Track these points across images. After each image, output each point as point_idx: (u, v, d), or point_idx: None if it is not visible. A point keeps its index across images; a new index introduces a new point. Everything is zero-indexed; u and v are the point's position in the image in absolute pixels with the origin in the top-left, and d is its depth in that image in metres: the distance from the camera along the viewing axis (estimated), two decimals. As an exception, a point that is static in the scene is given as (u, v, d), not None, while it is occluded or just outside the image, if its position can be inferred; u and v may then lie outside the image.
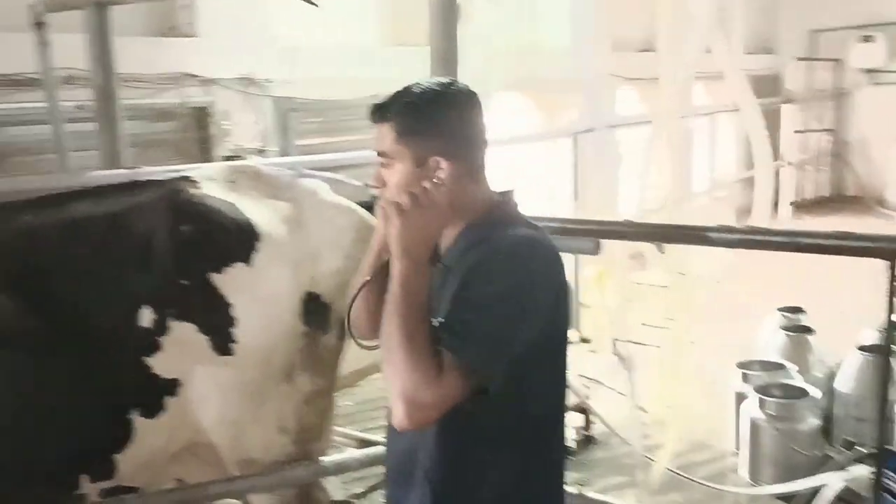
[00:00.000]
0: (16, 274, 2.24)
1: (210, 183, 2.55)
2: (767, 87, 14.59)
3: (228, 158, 5.38)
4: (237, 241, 2.40)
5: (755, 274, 7.54)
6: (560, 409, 1.84)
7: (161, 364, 2.32)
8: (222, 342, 2.36)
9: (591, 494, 3.55)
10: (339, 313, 2.59)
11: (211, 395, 2.39)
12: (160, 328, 2.31)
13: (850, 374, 4.67)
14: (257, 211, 2.51)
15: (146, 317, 2.30)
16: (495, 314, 1.61)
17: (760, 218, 7.63)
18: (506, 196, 1.82)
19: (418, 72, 6.38)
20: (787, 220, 11.84)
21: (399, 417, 1.58)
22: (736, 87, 7.35)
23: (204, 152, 5.33)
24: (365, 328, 1.87)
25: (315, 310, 2.51)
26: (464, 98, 1.74)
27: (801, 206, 12.89)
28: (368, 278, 1.82)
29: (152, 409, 2.34)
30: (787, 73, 13.70)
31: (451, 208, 1.70)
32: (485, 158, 1.78)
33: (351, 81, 6.21)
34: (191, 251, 2.34)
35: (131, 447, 2.33)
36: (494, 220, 1.75)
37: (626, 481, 4.66)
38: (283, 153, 5.74)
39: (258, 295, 2.41)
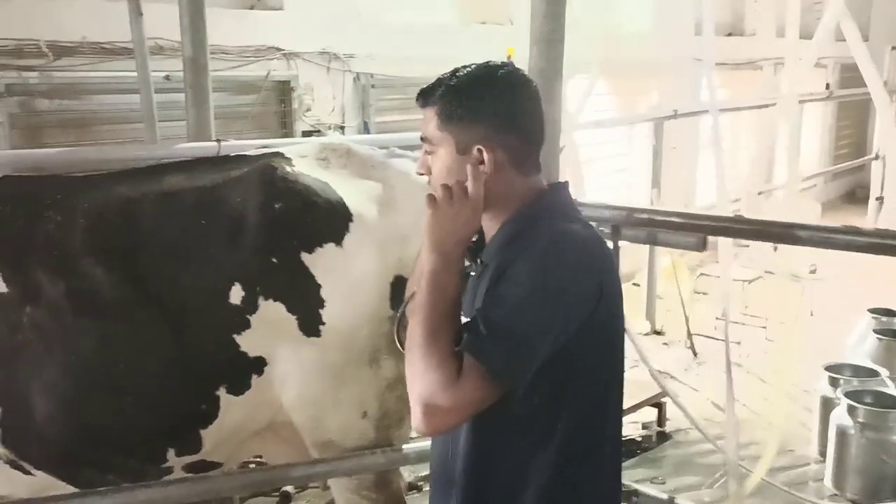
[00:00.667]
0: (113, 246, 2.25)
1: (302, 160, 2.52)
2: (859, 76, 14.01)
3: (308, 133, 5.39)
4: (329, 220, 2.37)
5: (844, 272, 7.25)
6: (608, 405, 1.69)
7: (249, 342, 2.31)
8: (310, 323, 2.33)
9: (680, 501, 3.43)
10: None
11: (294, 374, 2.37)
12: (250, 306, 2.29)
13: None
14: (349, 190, 2.46)
15: (236, 293, 2.28)
16: (522, 315, 1.50)
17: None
18: (555, 188, 1.72)
19: (498, 50, 6.29)
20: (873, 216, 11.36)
21: (417, 421, 1.51)
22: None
23: (284, 126, 5.32)
24: None
25: (403, 294, 2.46)
26: (514, 83, 1.64)
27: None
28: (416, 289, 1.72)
29: (239, 386, 2.33)
30: (884, 63, 13.06)
31: (494, 200, 1.62)
32: (537, 149, 1.68)
33: (430, 59, 6.13)
34: (282, 229, 2.31)
35: (216, 423, 2.33)
36: (537, 213, 1.64)
37: (698, 481, 4.54)
38: (362, 130, 5.70)
39: (347, 277, 2.37)
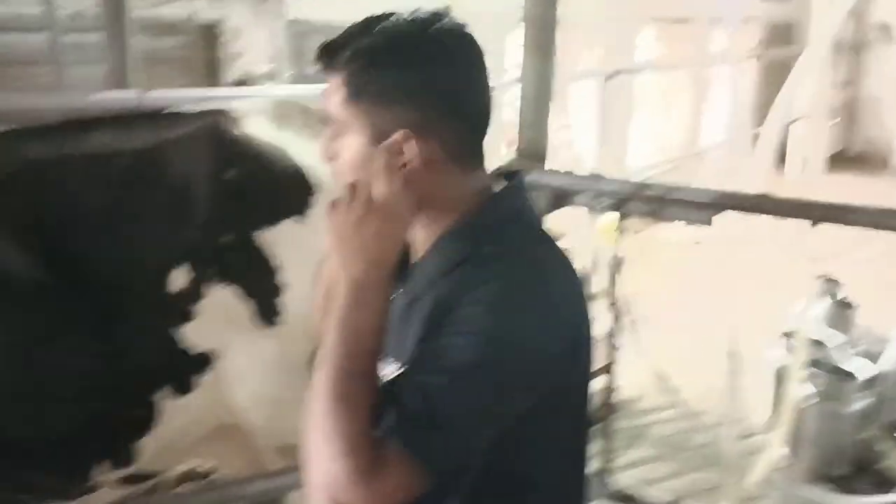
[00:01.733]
0: (27, 220, 1.84)
1: (254, 119, 2.14)
2: (782, 35, 14.18)
3: (238, 83, 4.93)
4: (290, 192, 2.02)
5: (776, 239, 7.24)
6: (576, 469, 1.33)
7: (194, 334, 1.96)
8: (267, 311, 2.00)
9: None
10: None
11: (248, 370, 2.04)
12: (195, 293, 1.94)
13: (898, 353, 4.43)
14: (310, 156, 2.11)
15: (179, 278, 1.92)
16: (469, 388, 1.09)
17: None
18: (509, 188, 1.26)
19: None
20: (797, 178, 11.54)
21: None
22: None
23: (210, 74, 4.85)
24: None
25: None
26: (453, 46, 1.16)
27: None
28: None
29: (181, 386, 1.98)
30: (809, 23, 13.21)
31: (424, 204, 1.19)
32: (482, 136, 1.22)
33: (372, 3, 5.73)
34: (235, 202, 1.95)
35: (155, 431, 1.97)
36: (485, 225, 1.21)
37: (653, 454, 4.41)
38: (296, 81, 5.25)
39: (312, 257, 2.02)
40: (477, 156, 1.23)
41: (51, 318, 1.83)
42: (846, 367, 4.29)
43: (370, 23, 1.15)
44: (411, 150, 1.13)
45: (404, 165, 1.13)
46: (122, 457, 1.96)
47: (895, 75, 12.66)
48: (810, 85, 11.84)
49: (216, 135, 1.98)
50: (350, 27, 1.17)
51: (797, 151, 11.92)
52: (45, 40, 3.35)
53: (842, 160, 13.33)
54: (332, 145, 1.20)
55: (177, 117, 2.11)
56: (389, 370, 1.21)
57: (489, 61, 1.21)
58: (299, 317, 2.02)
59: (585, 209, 2.21)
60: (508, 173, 1.29)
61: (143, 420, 1.94)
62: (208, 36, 4.81)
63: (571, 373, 1.21)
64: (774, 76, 14.14)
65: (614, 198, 2.12)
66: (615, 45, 8.70)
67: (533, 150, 2.27)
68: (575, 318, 1.22)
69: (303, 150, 2.11)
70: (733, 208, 2.08)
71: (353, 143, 1.16)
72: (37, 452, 1.86)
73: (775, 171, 9.15)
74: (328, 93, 1.16)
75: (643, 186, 2.15)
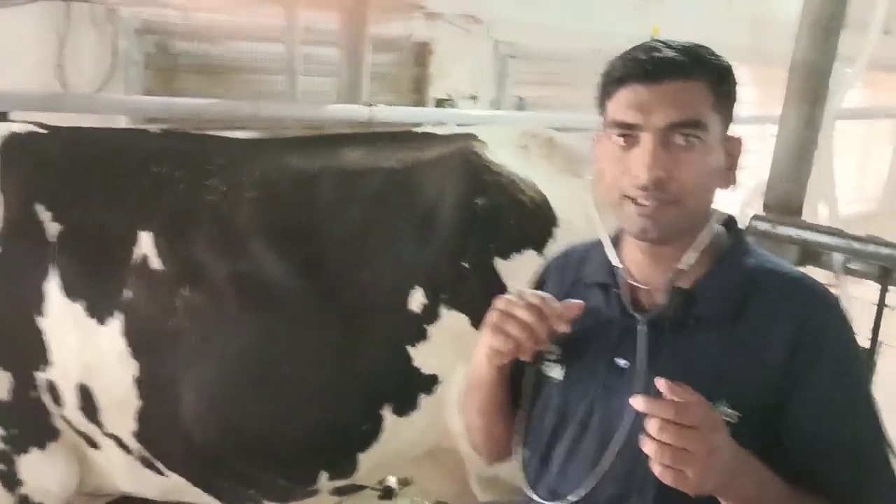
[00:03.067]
0: (287, 227, 1.91)
1: (501, 146, 2.13)
2: None
3: (442, 102, 5.00)
4: (533, 223, 1.98)
5: None
6: None
7: (424, 356, 1.96)
8: (497, 341, 1.96)
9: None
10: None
11: (468, 397, 2.01)
12: (431, 314, 1.94)
13: None
14: (552, 188, 2.07)
15: (417, 299, 1.93)
16: (880, 424, 1.20)
17: None
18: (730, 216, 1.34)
19: (644, 28, 5.76)
20: None
21: None
22: None
23: (417, 91, 4.95)
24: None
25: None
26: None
27: None
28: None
29: (406, 405, 1.99)
30: None
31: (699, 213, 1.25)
32: None
33: (573, 32, 5.68)
34: (481, 229, 1.94)
35: (377, 446, 1.99)
36: (745, 249, 1.29)
37: None
38: (497, 102, 5.28)
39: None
40: None
41: (299, 325, 1.88)
42: None
43: (690, 44, 1.23)
44: (737, 148, 1.26)
45: (733, 166, 1.26)
46: (345, 467, 1.99)
47: None
48: None
49: (468, 160, 1.98)
50: (666, 44, 1.20)
51: None
52: (282, 51, 3.51)
53: None
54: (678, 157, 1.18)
55: (428, 139, 2.13)
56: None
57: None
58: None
59: (838, 273, 2.03)
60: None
61: (370, 433, 1.96)
62: (419, 54, 4.91)
63: None
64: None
65: (880, 263, 1.92)
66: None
67: (785, 203, 2.12)
68: None
69: (547, 181, 2.07)
70: None
71: (712, 148, 1.20)
72: (271, 453, 1.92)
73: None
74: (685, 100, 1.18)
75: None
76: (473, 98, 5.16)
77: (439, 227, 1.92)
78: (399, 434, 1.99)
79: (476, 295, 1.94)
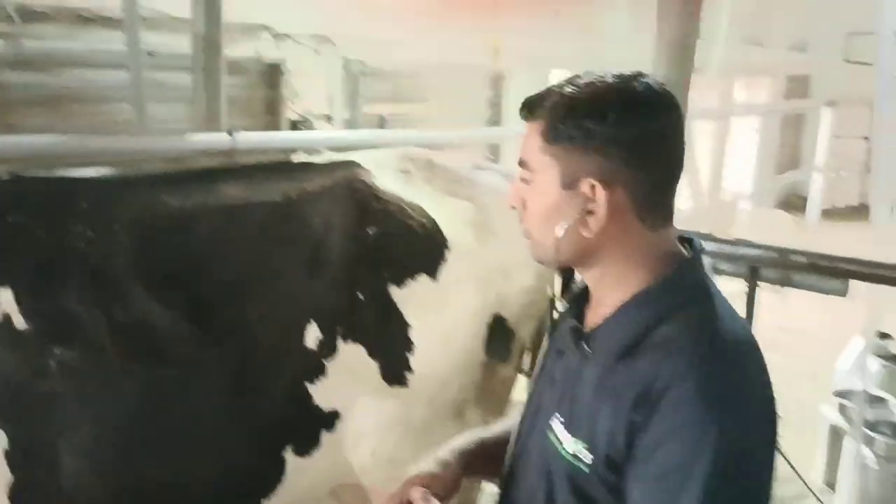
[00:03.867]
0: (167, 272, 1.79)
1: (384, 171, 2.10)
2: (800, 87, 14.28)
3: (295, 124, 4.91)
4: (424, 248, 1.96)
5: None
6: None
7: (323, 392, 1.89)
8: (395, 370, 1.93)
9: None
10: (522, 341, 2.17)
11: (370, 431, 1.97)
12: (328, 349, 1.88)
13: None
14: (439, 211, 2.06)
15: (313, 334, 1.86)
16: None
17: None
18: (696, 254, 1.24)
19: (484, 40, 5.90)
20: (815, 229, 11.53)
21: None
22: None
23: (270, 113, 4.83)
24: None
25: (499, 336, 2.08)
26: (655, 103, 1.18)
27: (831, 214, 12.59)
28: None
29: (307, 445, 1.91)
30: (824, 75, 13.34)
31: (606, 258, 1.20)
32: (672, 194, 1.22)
33: (420, 46, 5.74)
34: (373, 258, 1.90)
35: (280, 489, 1.90)
36: (679, 291, 1.19)
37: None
38: (352, 121, 5.25)
39: (442, 316, 1.97)
40: (664, 215, 1.22)
41: (189, 373, 1.77)
42: (906, 427, 4.21)
43: (575, 78, 1.19)
44: (601, 199, 1.15)
45: (591, 213, 1.16)
46: (249, 515, 1.89)
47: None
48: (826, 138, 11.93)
49: (355, 189, 1.93)
50: (554, 83, 1.21)
51: (816, 202, 11.93)
52: (124, 78, 3.31)
53: (863, 211, 13.35)
54: (522, 192, 1.23)
55: (308, 168, 2.06)
56: (564, 436, 1.19)
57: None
58: (423, 378, 1.97)
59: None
60: (689, 239, 1.27)
61: (273, 477, 1.87)
62: (270, 76, 4.79)
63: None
64: (790, 128, 14.25)
65: (742, 264, 2.06)
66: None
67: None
68: (774, 408, 1.17)
69: (433, 205, 2.06)
70: (879, 281, 1.99)
71: (543, 187, 1.20)
72: (170, 508, 1.79)
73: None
74: (526, 139, 1.22)
75: (787, 252, 2.06)
76: (328, 118, 5.11)
77: (330, 259, 1.87)
78: (302, 475, 1.91)
79: (372, 325, 1.90)
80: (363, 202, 1.91)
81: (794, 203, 14.09)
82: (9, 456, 1.69)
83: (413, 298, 1.93)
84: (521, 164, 1.23)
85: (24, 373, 1.69)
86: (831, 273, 2.00)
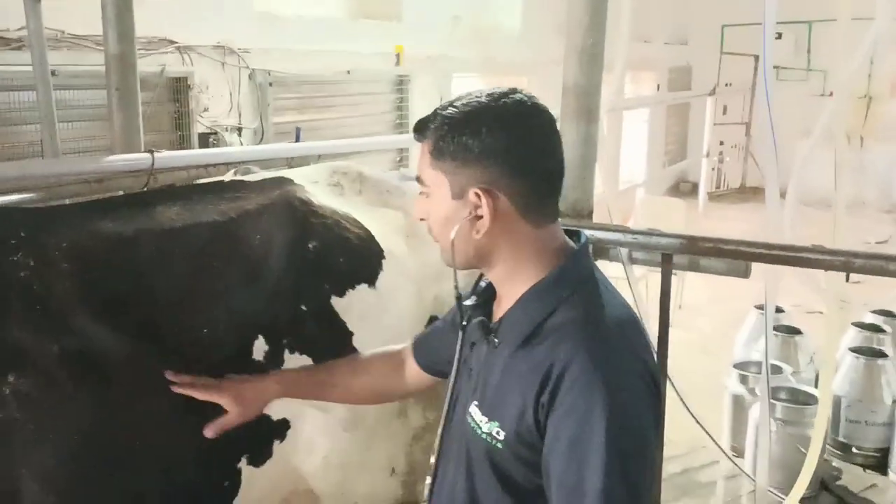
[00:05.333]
0: (112, 297, 1.79)
1: (314, 187, 2.16)
2: (682, 78, 14.96)
3: (206, 136, 4.86)
4: (362, 259, 2.04)
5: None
6: None
7: (273, 402, 1.93)
8: (340, 377, 1.99)
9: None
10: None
11: (318, 437, 2.03)
12: (275, 361, 1.92)
13: (843, 375, 4.72)
14: (373, 222, 2.14)
15: (259, 348, 1.91)
16: (626, 478, 1.20)
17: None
18: (583, 246, 1.40)
19: (387, 47, 6.01)
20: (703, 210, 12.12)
21: None
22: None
23: (179, 128, 4.76)
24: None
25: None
26: (522, 113, 1.32)
27: (716, 197, 13.26)
28: None
29: (261, 455, 1.95)
30: (704, 66, 14.04)
31: (499, 256, 1.37)
32: (554, 194, 1.39)
33: (324, 54, 5.76)
34: (314, 271, 1.95)
35: (236, 502, 1.93)
36: (567, 282, 1.34)
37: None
38: (261, 132, 5.22)
39: (383, 322, 2.05)
40: (547, 213, 1.38)
41: (141, 394, 1.78)
42: (803, 392, 4.54)
43: (456, 99, 1.36)
44: (485, 205, 1.31)
45: (479, 218, 1.32)
46: (208, 530, 1.92)
47: (784, 112, 13.50)
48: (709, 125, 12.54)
49: (293, 206, 1.98)
50: (440, 105, 1.37)
51: (703, 186, 12.51)
52: (35, 99, 3.23)
53: (746, 192, 14.15)
54: (424, 205, 1.40)
55: (242, 187, 2.09)
56: (480, 418, 1.35)
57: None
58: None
59: (625, 263, 2.32)
60: (568, 231, 1.45)
61: (230, 489, 1.90)
62: (178, 90, 4.72)
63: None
64: (675, 118, 14.91)
65: (661, 251, 2.22)
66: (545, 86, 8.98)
67: (577, 209, 2.37)
68: (654, 370, 1.34)
69: (366, 216, 2.13)
70: (782, 262, 2.18)
71: (438, 201, 1.36)
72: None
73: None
74: (420, 157, 1.38)
75: (696, 239, 2.23)
76: (239, 130, 5.07)
77: (273, 274, 1.91)
78: (256, 485, 1.95)
79: (317, 335, 1.96)
80: (302, 218, 1.96)
81: (682, 188, 14.82)
82: (-36, 489, 1.67)
83: (354, 307, 2.00)
84: (418, 180, 1.39)
85: (-25, 404, 1.67)
86: (735, 256, 2.19)
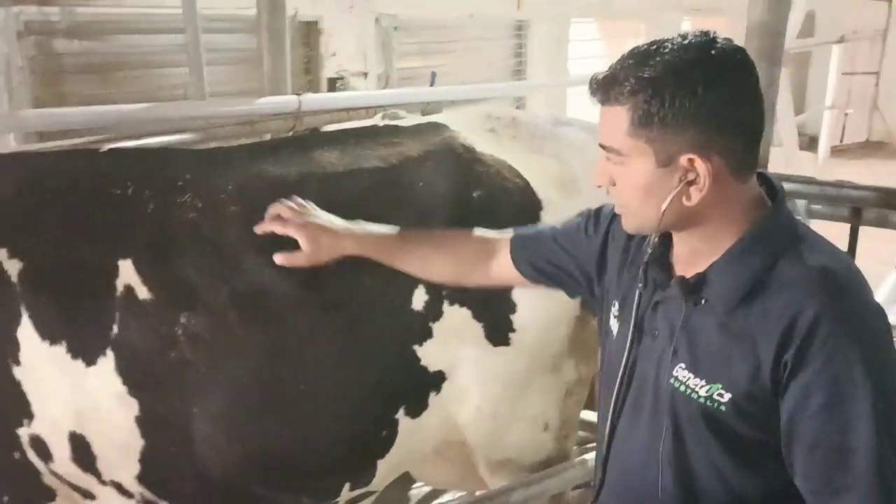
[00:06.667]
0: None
1: (470, 133, 2.05)
2: (804, 24, 14.00)
3: (333, 81, 4.83)
4: (522, 210, 1.93)
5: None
6: None
7: (430, 354, 1.88)
8: (499, 331, 1.92)
9: None
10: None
11: (473, 388, 1.96)
12: (434, 312, 1.86)
13: None
14: (529, 170, 2.03)
15: (419, 298, 1.84)
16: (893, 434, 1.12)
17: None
18: (782, 196, 1.28)
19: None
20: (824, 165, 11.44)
21: None
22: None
23: (309, 72, 4.74)
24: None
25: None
26: (736, 66, 1.18)
27: (837, 152, 12.47)
28: None
29: (417, 406, 1.91)
30: (828, 11, 13.10)
31: (707, 217, 1.23)
32: (758, 145, 1.24)
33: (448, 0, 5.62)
34: (475, 222, 1.85)
35: (393, 450, 1.91)
36: (780, 233, 1.23)
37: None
38: (385, 77, 5.16)
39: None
40: (753, 165, 1.24)
41: (307, 339, 1.75)
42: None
43: (646, 53, 1.18)
44: (703, 171, 1.17)
45: (692, 182, 1.18)
46: (366, 476, 1.90)
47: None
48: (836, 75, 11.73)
49: (457, 154, 1.89)
50: (620, 60, 1.21)
51: (826, 139, 11.79)
52: (180, 42, 3.23)
53: (871, 147, 13.26)
54: (611, 172, 1.26)
55: (397, 132, 2.02)
56: (693, 381, 1.23)
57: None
58: (524, 336, 1.96)
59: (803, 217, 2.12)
60: (769, 180, 1.30)
61: (388, 439, 1.87)
62: (306, 34, 4.69)
63: None
64: (793, 66, 14.03)
65: (850, 205, 2.01)
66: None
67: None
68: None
69: (523, 164, 2.02)
70: None
71: (638, 170, 1.21)
72: (295, 475, 1.80)
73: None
74: (607, 123, 1.22)
75: (894, 192, 2.00)
76: (364, 75, 5.02)
77: (436, 223, 1.83)
78: (413, 435, 1.92)
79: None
80: (467, 166, 1.87)
81: (800, 142, 14.00)
82: (140, 422, 1.69)
83: (514, 258, 1.90)
84: (607, 148, 1.24)
85: (152, 341, 1.68)
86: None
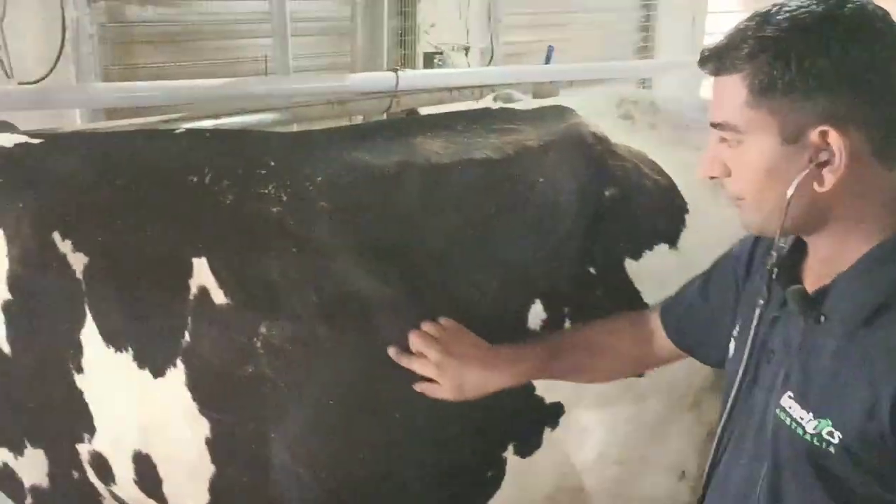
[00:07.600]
0: (375, 240, 1.72)
1: (601, 119, 1.97)
2: None
3: (430, 56, 4.82)
4: (662, 213, 1.84)
5: None
6: None
7: (547, 382, 1.81)
8: (628, 358, 1.83)
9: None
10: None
11: (596, 426, 1.88)
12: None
13: None
14: (672, 166, 1.93)
15: (536, 314, 1.77)
16: None
17: None
18: None
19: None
20: None
21: None
22: None
23: (403, 45, 4.74)
24: None
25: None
26: (872, 25, 1.12)
27: None
28: None
29: (529, 443, 1.84)
30: None
31: (843, 209, 1.16)
32: None
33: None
34: (609, 226, 1.78)
35: (498, 495, 1.84)
36: None
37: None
38: (490, 52, 5.11)
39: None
40: None
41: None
42: None
43: (767, 14, 1.14)
44: (838, 147, 1.10)
45: (824, 163, 1.12)
46: (465, 526, 1.85)
47: None
48: None
49: (587, 144, 1.81)
50: (739, 25, 1.17)
51: None
52: (263, 9, 3.27)
53: None
54: (722, 159, 1.22)
55: (513, 116, 1.96)
56: (800, 413, 1.17)
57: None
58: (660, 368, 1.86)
59: None
60: None
61: (492, 480, 1.81)
62: (402, 3, 4.70)
63: None
64: None
65: None
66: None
67: None
68: None
69: (664, 159, 1.93)
70: None
71: (758, 149, 1.16)
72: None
73: None
74: (721, 95, 1.19)
75: None
76: (466, 49, 4.98)
77: (559, 226, 1.76)
78: (522, 478, 1.85)
79: (603, 305, 1.79)
80: (598, 159, 1.79)
81: None
82: (211, 445, 1.68)
83: (650, 273, 1.82)
84: (720, 126, 1.20)
85: (227, 353, 1.67)
86: None
